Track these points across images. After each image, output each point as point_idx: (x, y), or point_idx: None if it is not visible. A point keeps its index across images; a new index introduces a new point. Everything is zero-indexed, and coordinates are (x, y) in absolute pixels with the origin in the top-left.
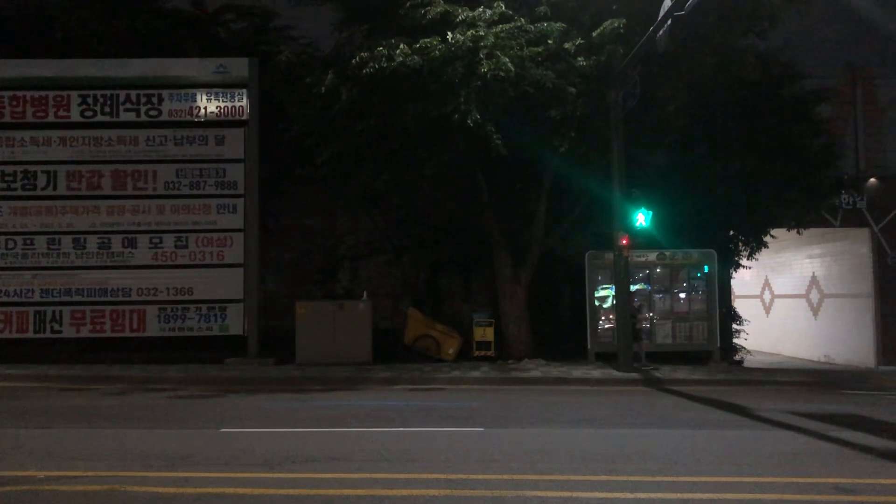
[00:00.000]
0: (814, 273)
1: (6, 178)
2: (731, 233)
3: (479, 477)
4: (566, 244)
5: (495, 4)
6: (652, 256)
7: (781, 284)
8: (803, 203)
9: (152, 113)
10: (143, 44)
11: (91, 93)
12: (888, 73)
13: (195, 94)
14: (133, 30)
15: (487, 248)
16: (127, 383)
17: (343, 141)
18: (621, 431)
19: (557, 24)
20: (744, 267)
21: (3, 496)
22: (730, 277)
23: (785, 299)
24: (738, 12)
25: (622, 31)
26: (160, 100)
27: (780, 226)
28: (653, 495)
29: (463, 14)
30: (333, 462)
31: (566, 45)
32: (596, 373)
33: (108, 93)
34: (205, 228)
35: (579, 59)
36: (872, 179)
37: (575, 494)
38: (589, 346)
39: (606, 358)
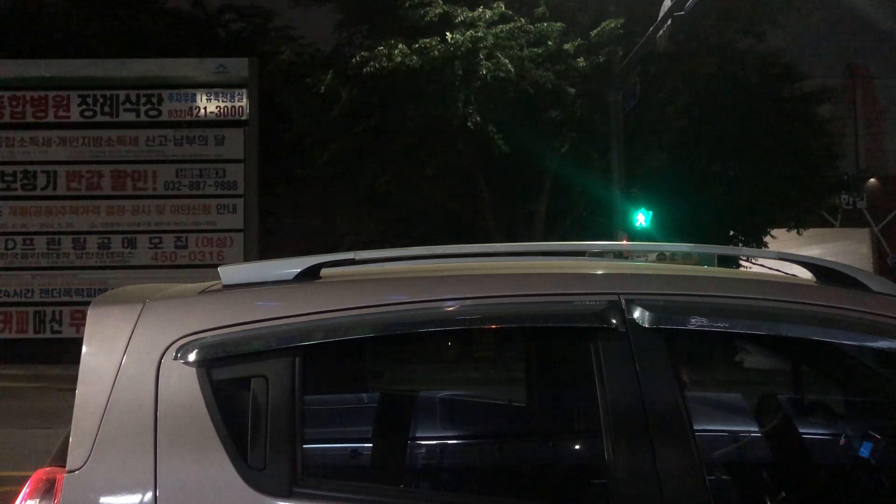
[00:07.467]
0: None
1: (6, 178)
2: (731, 233)
3: None
4: None
5: (495, 5)
6: (652, 257)
7: None
8: (803, 203)
9: (152, 113)
10: (143, 44)
11: (91, 93)
12: (888, 73)
13: (195, 94)
14: (133, 30)
15: None
16: None
17: (343, 141)
18: None
19: (557, 25)
20: (743, 267)
21: (3, 496)
22: None
23: None
24: (737, 13)
25: (621, 31)
26: (160, 100)
27: (780, 226)
28: None
29: (462, 14)
30: None
31: (566, 46)
32: None
33: (107, 93)
34: (205, 228)
35: (579, 59)
36: (872, 179)
37: None
38: None
39: None
